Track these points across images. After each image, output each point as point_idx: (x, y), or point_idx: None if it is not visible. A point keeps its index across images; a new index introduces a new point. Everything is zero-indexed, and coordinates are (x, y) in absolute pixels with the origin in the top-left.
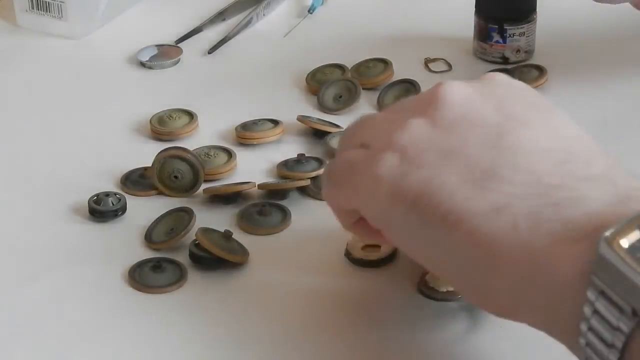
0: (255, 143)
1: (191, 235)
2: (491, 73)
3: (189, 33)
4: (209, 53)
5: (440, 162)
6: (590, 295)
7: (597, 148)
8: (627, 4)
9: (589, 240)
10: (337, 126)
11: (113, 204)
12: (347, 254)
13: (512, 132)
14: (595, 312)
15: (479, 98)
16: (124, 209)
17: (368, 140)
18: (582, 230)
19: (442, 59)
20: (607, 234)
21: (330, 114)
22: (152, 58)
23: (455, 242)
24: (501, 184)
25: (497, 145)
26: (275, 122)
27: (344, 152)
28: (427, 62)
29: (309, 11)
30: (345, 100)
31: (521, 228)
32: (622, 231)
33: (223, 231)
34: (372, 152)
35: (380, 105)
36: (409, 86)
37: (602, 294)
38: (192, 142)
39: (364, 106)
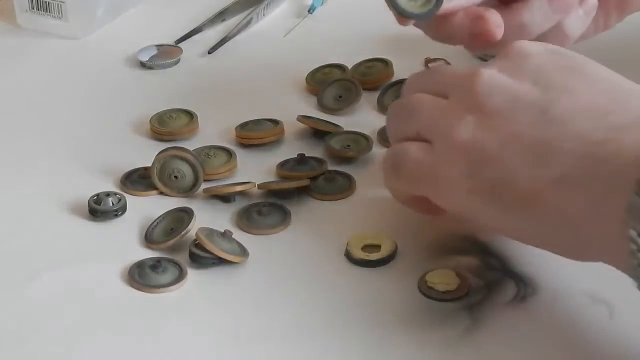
0: (255, 143)
1: (191, 235)
2: (517, 45)
3: (189, 33)
4: (209, 53)
5: (501, 151)
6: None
7: (636, 88)
8: None
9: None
10: (337, 126)
11: (113, 204)
12: (347, 254)
13: (553, 104)
14: None
15: (516, 80)
16: (124, 209)
17: (426, 133)
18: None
19: (442, 59)
20: None
21: (330, 114)
22: (152, 58)
23: (535, 216)
24: (555, 156)
25: (544, 120)
26: (275, 122)
27: (402, 143)
28: (427, 62)
29: (309, 11)
30: (345, 100)
31: (579, 191)
32: None
33: (223, 231)
34: (436, 152)
35: (380, 105)
36: None
37: None
38: (192, 142)
39: (364, 106)
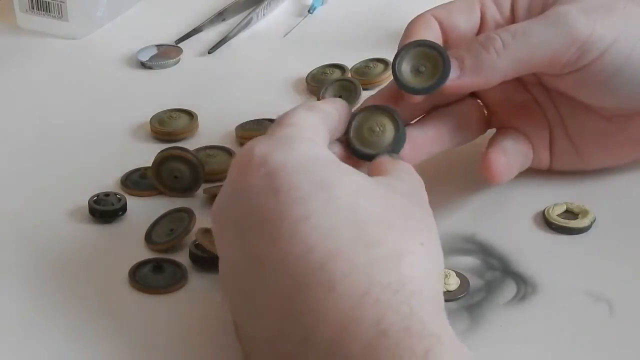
0: None
1: (191, 235)
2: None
3: (189, 33)
4: (209, 53)
5: None
6: None
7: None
8: None
9: None
10: None
11: (113, 204)
12: None
13: (254, 286)
14: None
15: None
16: (124, 209)
17: None
18: None
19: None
20: None
21: None
22: (152, 58)
23: None
24: None
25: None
26: None
27: None
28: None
29: (309, 11)
30: (345, 100)
31: None
32: None
33: None
34: None
35: None
36: None
37: None
38: (192, 142)
39: None
